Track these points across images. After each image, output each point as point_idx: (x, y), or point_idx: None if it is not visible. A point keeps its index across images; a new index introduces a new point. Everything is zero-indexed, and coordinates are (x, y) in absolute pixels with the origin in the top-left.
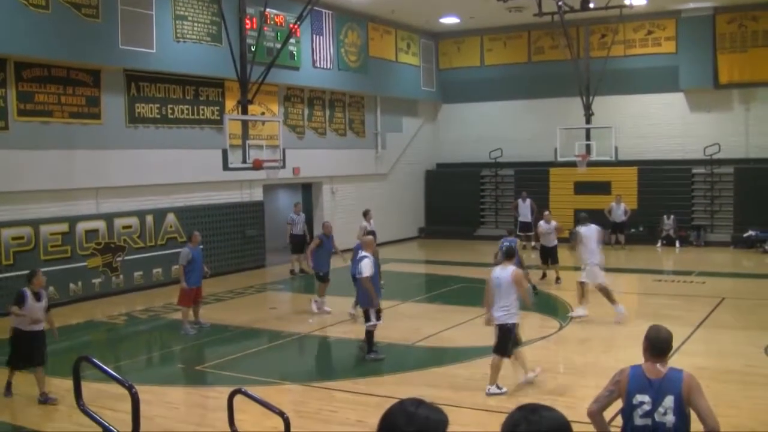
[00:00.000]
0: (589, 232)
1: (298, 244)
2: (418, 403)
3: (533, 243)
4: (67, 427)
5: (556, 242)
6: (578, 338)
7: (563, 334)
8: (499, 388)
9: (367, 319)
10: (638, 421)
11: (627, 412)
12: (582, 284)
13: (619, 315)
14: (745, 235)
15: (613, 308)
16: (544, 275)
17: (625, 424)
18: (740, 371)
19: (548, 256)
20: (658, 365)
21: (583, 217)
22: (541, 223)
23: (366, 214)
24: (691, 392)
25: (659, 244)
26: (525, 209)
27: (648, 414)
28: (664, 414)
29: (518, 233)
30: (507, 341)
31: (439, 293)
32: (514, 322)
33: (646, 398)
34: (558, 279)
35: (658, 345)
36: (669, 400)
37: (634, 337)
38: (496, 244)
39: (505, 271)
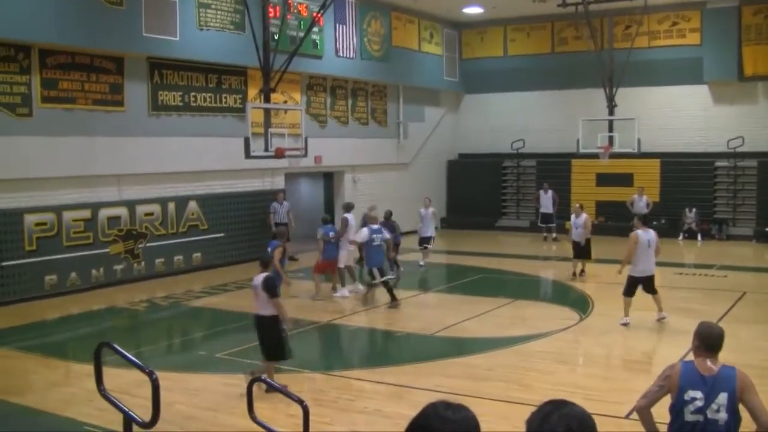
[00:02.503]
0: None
1: None
2: (447, 405)
3: (554, 234)
4: (87, 411)
5: (587, 237)
6: (598, 331)
7: (584, 325)
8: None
9: (373, 277)
10: (689, 417)
11: (677, 407)
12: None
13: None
14: (767, 229)
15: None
16: (580, 272)
17: (674, 420)
18: (759, 366)
19: (580, 252)
20: (709, 362)
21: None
22: (571, 216)
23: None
24: (745, 390)
25: (681, 237)
26: (546, 200)
27: (700, 410)
28: (717, 411)
29: (539, 224)
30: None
31: (460, 284)
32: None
33: (698, 394)
34: (582, 271)
35: (710, 342)
36: (722, 397)
37: (654, 330)
38: (517, 236)
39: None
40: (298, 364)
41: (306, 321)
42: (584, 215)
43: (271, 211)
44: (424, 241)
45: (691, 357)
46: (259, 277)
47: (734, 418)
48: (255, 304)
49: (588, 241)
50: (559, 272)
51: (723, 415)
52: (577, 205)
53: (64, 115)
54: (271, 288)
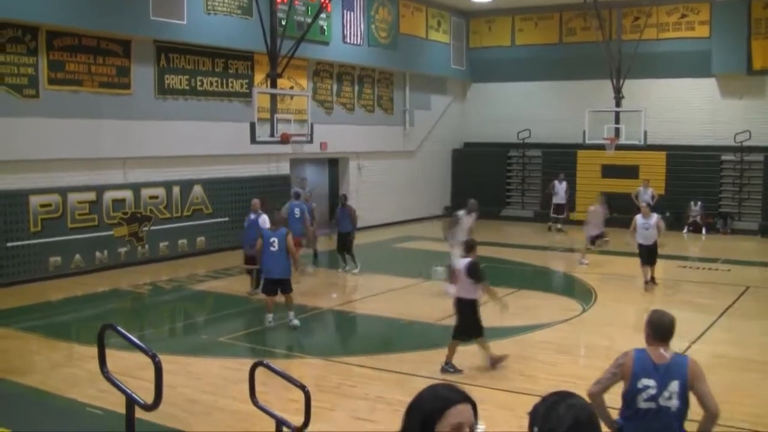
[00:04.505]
0: None
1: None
2: (447, 386)
3: (559, 225)
4: (90, 393)
5: (656, 239)
6: (600, 322)
7: (585, 317)
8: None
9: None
10: (642, 405)
11: (630, 395)
12: None
13: None
14: None
15: None
16: (651, 279)
17: (627, 407)
18: (761, 361)
19: (650, 256)
20: (662, 350)
21: None
22: (638, 217)
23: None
24: (695, 378)
25: (685, 231)
26: (561, 190)
27: (653, 398)
28: (669, 398)
29: (551, 214)
30: None
31: None
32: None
33: (651, 382)
34: (653, 279)
35: (661, 330)
36: (674, 385)
37: None
38: (522, 226)
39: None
40: (301, 350)
41: (308, 307)
42: (655, 215)
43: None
44: (596, 239)
45: (688, 351)
46: (463, 262)
47: (685, 406)
48: (455, 287)
49: (655, 243)
50: (563, 263)
51: (675, 402)
52: (644, 204)
53: (71, 97)
54: (476, 273)
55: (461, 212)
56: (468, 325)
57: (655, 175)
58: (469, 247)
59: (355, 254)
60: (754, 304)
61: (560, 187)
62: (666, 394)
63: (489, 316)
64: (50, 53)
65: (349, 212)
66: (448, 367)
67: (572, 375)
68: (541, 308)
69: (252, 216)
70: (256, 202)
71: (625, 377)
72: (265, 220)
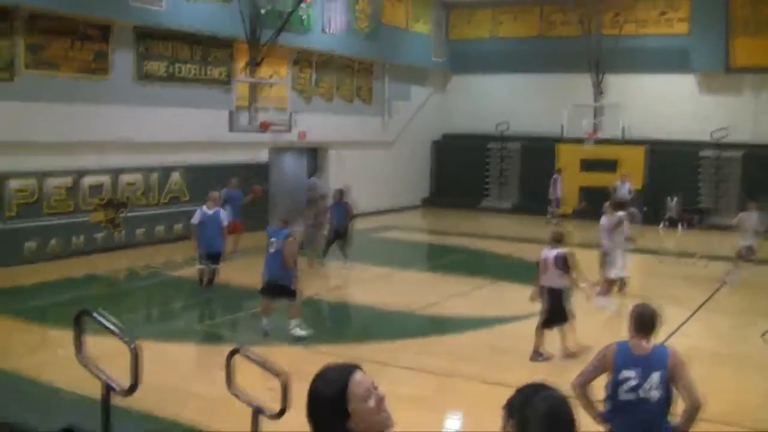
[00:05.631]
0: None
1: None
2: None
3: (554, 219)
4: (66, 378)
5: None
6: (578, 314)
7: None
8: None
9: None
10: (624, 396)
11: (612, 386)
12: None
13: None
14: None
15: None
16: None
17: (610, 399)
18: (736, 354)
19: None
20: (643, 342)
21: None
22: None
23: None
24: (676, 368)
25: (662, 226)
26: (558, 185)
27: (634, 389)
28: (650, 389)
29: (554, 208)
30: None
31: (441, 263)
32: None
33: (632, 374)
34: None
35: (642, 322)
36: (655, 376)
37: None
38: (500, 217)
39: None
40: (279, 338)
41: None
42: (619, 213)
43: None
44: (747, 251)
45: (668, 343)
46: (552, 252)
47: (666, 396)
48: (543, 277)
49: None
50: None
51: (655, 393)
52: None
53: (48, 81)
54: (565, 264)
55: (622, 214)
56: (555, 313)
57: (633, 170)
58: (558, 238)
59: (347, 250)
60: (730, 299)
61: (559, 182)
62: (647, 385)
63: (467, 306)
64: (27, 36)
65: (345, 208)
66: (537, 355)
67: (548, 367)
68: (518, 300)
69: (208, 211)
70: (215, 194)
71: (607, 369)
72: (223, 216)
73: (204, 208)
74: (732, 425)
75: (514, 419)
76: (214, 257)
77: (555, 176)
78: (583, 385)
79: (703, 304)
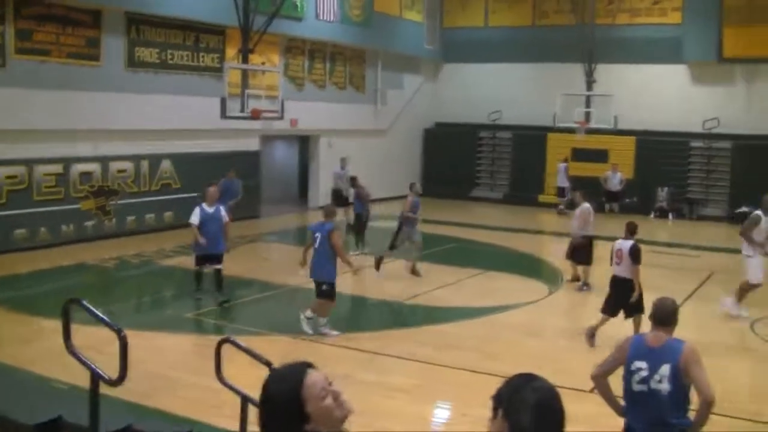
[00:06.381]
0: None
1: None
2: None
3: (563, 207)
4: (54, 367)
5: (578, 233)
6: (568, 304)
7: (553, 298)
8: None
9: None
10: (635, 387)
11: (626, 377)
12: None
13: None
14: (737, 211)
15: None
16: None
17: (625, 390)
18: (724, 344)
19: (571, 251)
20: (661, 334)
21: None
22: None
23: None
24: (688, 363)
25: (652, 215)
26: (563, 173)
27: (644, 381)
28: (660, 382)
29: (563, 196)
30: None
31: (432, 252)
32: None
33: (643, 365)
34: (576, 278)
35: (659, 315)
36: (665, 369)
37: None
38: (491, 207)
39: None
40: (268, 327)
41: (275, 284)
42: (583, 205)
43: (336, 178)
44: None
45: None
46: (627, 243)
47: (678, 391)
48: (617, 267)
49: (582, 237)
50: (531, 245)
51: (665, 386)
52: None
53: (39, 67)
54: (637, 255)
55: (759, 212)
56: (619, 302)
57: (624, 160)
58: (632, 229)
59: (366, 237)
60: (718, 289)
61: (563, 170)
62: (657, 377)
63: (458, 296)
64: (18, 21)
65: (359, 194)
66: (590, 337)
67: (538, 356)
68: (509, 290)
69: (209, 209)
70: (213, 190)
71: (623, 360)
72: (225, 213)
73: (204, 205)
74: (720, 413)
75: (503, 409)
76: (216, 258)
77: (562, 165)
78: (601, 375)
79: (691, 294)
